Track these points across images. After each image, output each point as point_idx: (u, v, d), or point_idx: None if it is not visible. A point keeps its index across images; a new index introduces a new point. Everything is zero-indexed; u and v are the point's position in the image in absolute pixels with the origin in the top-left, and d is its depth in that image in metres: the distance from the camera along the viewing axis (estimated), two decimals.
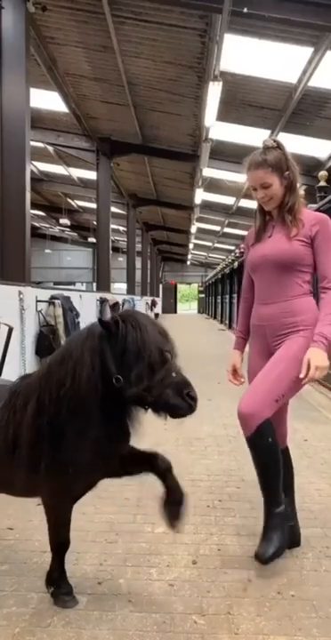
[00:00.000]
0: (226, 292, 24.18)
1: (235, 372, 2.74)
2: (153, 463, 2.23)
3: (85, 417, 1.97)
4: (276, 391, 2.37)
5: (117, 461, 2.20)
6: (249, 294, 2.71)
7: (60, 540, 2.21)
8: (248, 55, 8.59)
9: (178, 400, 1.97)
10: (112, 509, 3.13)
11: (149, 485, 3.51)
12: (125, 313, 2.03)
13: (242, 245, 15.12)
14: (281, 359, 2.39)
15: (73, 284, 37.43)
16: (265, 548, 2.40)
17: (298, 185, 2.50)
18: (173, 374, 1.96)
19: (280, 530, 2.44)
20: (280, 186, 2.44)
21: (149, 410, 2.02)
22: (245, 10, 6.81)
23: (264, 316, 2.52)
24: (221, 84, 8.27)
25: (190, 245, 33.58)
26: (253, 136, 11.64)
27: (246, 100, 10.10)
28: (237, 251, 20.19)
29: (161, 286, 43.61)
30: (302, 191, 2.55)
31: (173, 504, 2.19)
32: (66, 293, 8.15)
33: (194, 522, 2.97)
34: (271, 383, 2.37)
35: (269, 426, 2.37)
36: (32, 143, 8.69)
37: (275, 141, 2.47)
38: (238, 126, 11.50)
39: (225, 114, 10.38)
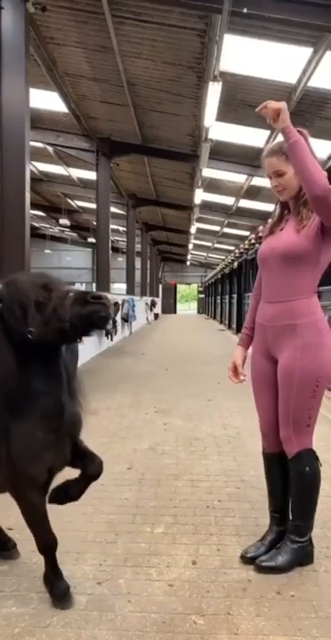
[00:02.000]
0: (226, 292, 24.19)
1: (235, 369, 2.69)
2: (87, 466, 2.29)
3: (16, 391, 2.00)
4: (303, 418, 2.40)
5: (70, 438, 2.21)
6: (260, 290, 2.63)
7: (44, 539, 2.21)
8: (248, 55, 8.57)
9: (87, 308, 1.99)
10: (111, 509, 3.13)
11: (149, 486, 3.52)
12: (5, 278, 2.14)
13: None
14: (290, 385, 2.37)
15: (73, 284, 37.30)
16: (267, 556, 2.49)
17: None
18: (71, 294, 2.01)
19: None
20: (295, 176, 2.37)
21: (84, 338, 2.10)
22: (244, 10, 6.81)
23: (267, 315, 2.48)
24: (220, 84, 8.26)
25: (190, 246, 33.54)
26: (252, 136, 11.64)
27: (245, 100, 10.09)
28: (236, 251, 20.20)
29: (161, 286, 43.58)
30: None
31: (68, 493, 2.29)
32: None
33: (193, 522, 2.97)
34: (294, 413, 2.39)
35: (309, 455, 2.45)
36: (32, 143, 8.70)
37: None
38: (237, 126, 11.47)
39: (225, 114, 10.37)
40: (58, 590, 2.19)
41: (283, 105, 2.23)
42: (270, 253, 2.46)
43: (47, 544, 2.21)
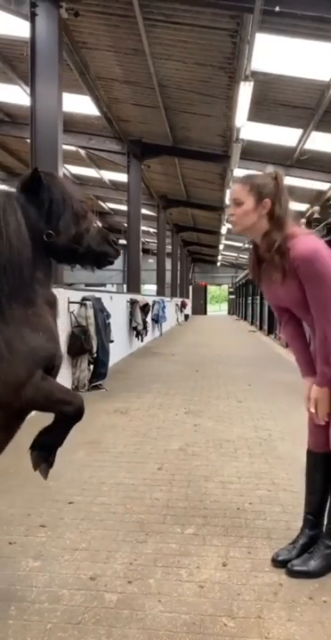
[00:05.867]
0: (257, 292, 23.96)
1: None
2: None
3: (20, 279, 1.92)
4: None
5: None
6: (288, 326, 2.49)
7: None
8: (280, 54, 8.49)
9: (105, 246, 2.14)
10: (142, 509, 3.14)
11: (179, 487, 3.52)
12: (40, 171, 2.08)
13: None
14: None
15: (104, 285, 37.79)
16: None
17: (287, 224, 2.26)
18: (94, 224, 2.12)
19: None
20: (253, 211, 2.23)
21: (77, 265, 2.19)
22: (276, 9, 6.73)
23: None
24: (252, 84, 8.20)
25: (221, 246, 33.40)
26: (284, 136, 11.51)
27: (277, 99, 9.99)
28: None
29: (191, 287, 43.52)
30: (297, 226, 2.36)
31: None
32: (97, 295, 8.22)
33: (224, 524, 2.96)
34: None
35: None
36: (64, 147, 8.82)
37: (275, 172, 2.33)
38: (269, 126, 11.37)
39: (256, 114, 10.29)
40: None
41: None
42: (279, 303, 2.41)
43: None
